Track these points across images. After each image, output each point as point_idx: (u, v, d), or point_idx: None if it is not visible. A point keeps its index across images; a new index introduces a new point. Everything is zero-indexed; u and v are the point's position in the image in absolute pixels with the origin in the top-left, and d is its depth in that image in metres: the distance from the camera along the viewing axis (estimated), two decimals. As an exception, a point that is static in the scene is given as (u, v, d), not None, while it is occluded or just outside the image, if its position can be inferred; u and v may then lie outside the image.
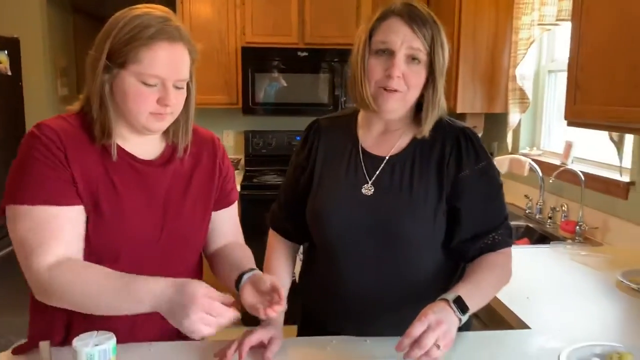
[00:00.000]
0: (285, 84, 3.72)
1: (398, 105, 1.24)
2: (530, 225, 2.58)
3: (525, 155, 2.87)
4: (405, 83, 1.21)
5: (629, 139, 2.12)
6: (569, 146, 2.53)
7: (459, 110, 3.11)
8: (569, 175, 2.39)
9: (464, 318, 1.14)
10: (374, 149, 1.31)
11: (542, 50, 2.94)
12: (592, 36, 1.74)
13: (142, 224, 1.19)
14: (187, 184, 1.27)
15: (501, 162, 2.68)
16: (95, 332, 1.08)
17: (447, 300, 1.13)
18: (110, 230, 1.15)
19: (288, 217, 1.40)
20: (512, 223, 2.65)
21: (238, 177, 3.68)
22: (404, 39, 1.19)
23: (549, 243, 2.27)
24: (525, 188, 2.87)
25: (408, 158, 1.28)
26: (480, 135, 3.32)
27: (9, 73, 3.20)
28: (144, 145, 1.23)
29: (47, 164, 1.11)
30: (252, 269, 1.22)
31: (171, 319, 1.05)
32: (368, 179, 1.28)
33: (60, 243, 1.10)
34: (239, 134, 4.09)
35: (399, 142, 1.30)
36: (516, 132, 3.07)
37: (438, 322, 1.06)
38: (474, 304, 1.17)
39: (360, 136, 1.33)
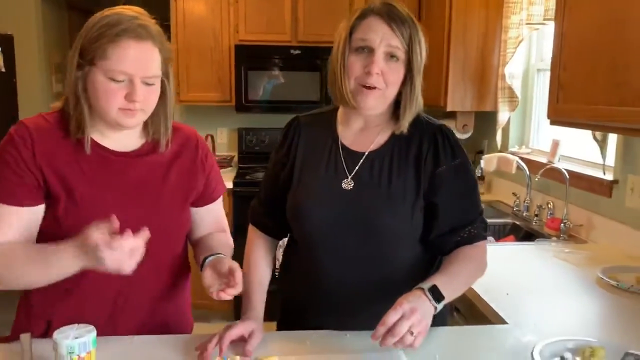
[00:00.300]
0: (278, 82, 3.74)
1: (377, 102, 1.27)
2: (517, 222, 2.60)
3: (513, 153, 2.90)
4: (383, 80, 1.24)
5: (613, 138, 2.14)
6: (555, 145, 2.56)
7: (449, 109, 3.13)
8: (555, 174, 2.42)
9: (439, 306, 1.17)
10: (353, 145, 1.34)
11: (532, 50, 2.97)
12: (575, 35, 1.76)
13: (113, 211, 1.19)
14: (165, 176, 1.30)
15: (489, 160, 2.71)
16: (76, 325, 1.11)
17: (422, 289, 1.17)
18: (81, 216, 1.18)
19: (268, 213, 1.42)
20: (499, 220, 2.71)
21: (231, 174, 3.71)
22: (383, 37, 1.23)
23: (534, 240, 2.30)
24: (514, 186, 2.90)
25: (387, 153, 1.31)
26: (470, 133, 3.39)
27: (3, 70, 3.21)
28: (123, 140, 1.27)
29: (11, 167, 1.18)
30: (217, 253, 1.26)
31: (99, 267, 1.08)
32: (348, 174, 1.31)
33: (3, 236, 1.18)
34: (233, 131, 4.11)
35: (378, 138, 1.33)
36: (506, 130, 3.09)
37: (412, 310, 1.10)
38: (449, 293, 1.21)
39: (340, 132, 1.36)
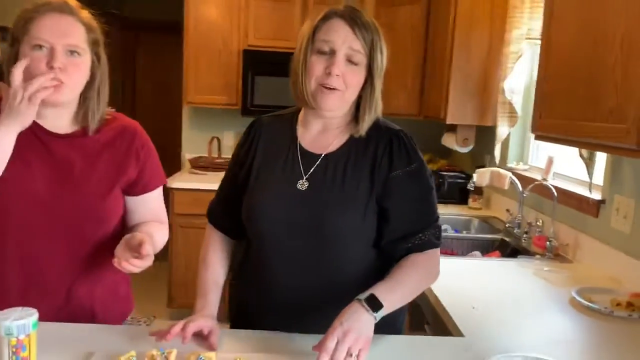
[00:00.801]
0: (284, 88, 3.75)
1: (337, 103, 1.28)
2: (506, 239, 2.56)
3: (511, 169, 2.86)
4: (344, 82, 1.26)
5: (601, 156, 2.10)
6: (550, 162, 2.52)
7: (448, 121, 3.11)
8: (546, 191, 2.38)
9: (378, 315, 1.16)
10: (311, 146, 1.35)
11: (534, 65, 2.93)
12: (557, 51, 1.74)
13: (36, 183, 1.29)
14: (94, 161, 1.35)
15: (482, 175, 2.68)
16: (20, 308, 1.13)
17: (359, 300, 1.16)
18: (6, 185, 1.25)
19: (225, 212, 1.43)
20: (487, 236, 2.67)
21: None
22: (344, 39, 1.24)
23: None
24: (510, 202, 2.86)
25: (343, 156, 1.32)
26: (471, 147, 3.35)
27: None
28: (56, 121, 1.34)
29: None
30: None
31: (7, 120, 1.19)
32: (303, 175, 1.32)
33: None
34: (239, 134, 4.12)
35: (336, 141, 1.34)
36: (505, 145, 3.05)
37: (345, 333, 1.10)
38: (391, 302, 1.20)
39: (299, 134, 1.37)
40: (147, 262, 1.22)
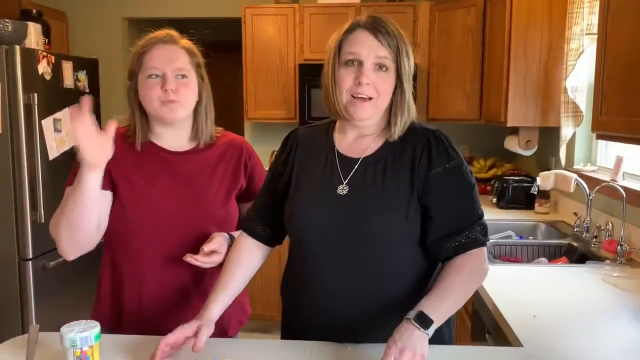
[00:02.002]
0: (340, 99, 3.79)
1: (370, 111, 1.29)
2: (574, 244, 2.45)
3: (577, 171, 2.73)
4: (375, 89, 1.27)
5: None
6: (619, 162, 2.39)
7: (509, 124, 3.02)
8: (616, 193, 2.25)
9: (430, 331, 1.15)
10: (348, 152, 1.36)
11: (599, 61, 2.80)
12: (616, 46, 1.67)
13: (162, 195, 1.47)
14: (211, 173, 1.53)
15: (546, 177, 2.58)
16: (84, 320, 1.21)
17: (409, 319, 1.16)
18: (137, 198, 1.46)
19: (260, 219, 1.44)
20: (554, 242, 2.56)
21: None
22: (370, 49, 1.26)
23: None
24: (578, 205, 2.73)
25: (381, 159, 1.32)
26: (534, 149, 3.24)
27: (87, 90, 3.52)
28: (174, 141, 1.52)
29: None
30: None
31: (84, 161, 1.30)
32: (343, 180, 1.33)
33: None
34: (299, 147, 4.21)
35: (372, 145, 1.35)
36: (571, 146, 2.93)
37: (401, 351, 1.09)
38: (440, 315, 1.18)
39: (336, 141, 1.39)
40: (213, 259, 1.40)
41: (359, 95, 1.26)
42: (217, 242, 1.42)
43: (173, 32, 1.50)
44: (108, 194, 1.45)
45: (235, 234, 1.49)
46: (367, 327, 1.30)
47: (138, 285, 1.47)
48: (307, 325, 1.37)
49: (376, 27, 1.26)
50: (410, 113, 1.32)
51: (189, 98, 1.47)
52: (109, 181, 1.45)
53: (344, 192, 1.31)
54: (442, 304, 1.20)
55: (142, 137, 1.48)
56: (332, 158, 1.36)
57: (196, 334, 1.23)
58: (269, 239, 1.45)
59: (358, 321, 1.31)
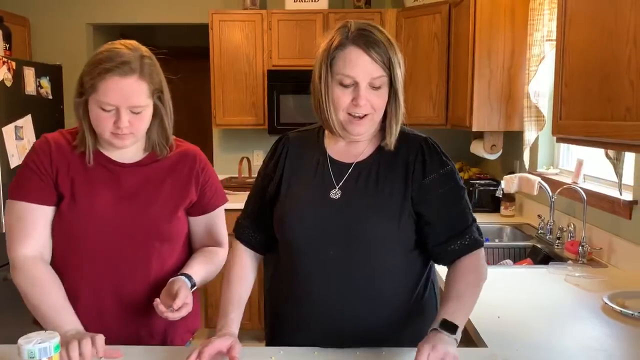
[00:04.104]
0: (309, 105, 3.79)
1: (367, 127, 1.31)
2: (538, 245, 2.50)
3: (540, 174, 2.79)
4: (371, 107, 1.28)
5: (630, 156, 2.03)
6: (579, 164, 2.45)
7: (474, 128, 3.07)
8: (578, 195, 2.31)
9: (458, 336, 1.19)
10: (341, 157, 1.37)
11: (559, 67, 2.87)
12: (573, 51, 1.71)
13: (106, 209, 1.40)
14: (159, 184, 1.46)
15: (509, 181, 2.63)
16: (44, 331, 1.18)
17: (435, 329, 1.18)
18: (79, 212, 1.39)
19: (252, 227, 1.45)
20: (519, 243, 2.61)
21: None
22: (365, 72, 1.26)
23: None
24: (542, 208, 2.79)
25: (374, 164, 1.34)
26: (499, 153, 3.30)
27: (50, 97, 3.45)
28: (126, 153, 1.46)
29: (33, 169, 1.40)
30: (182, 273, 1.40)
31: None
32: (335, 184, 1.33)
33: (35, 236, 1.39)
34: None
35: (366, 150, 1.36)
36: (534, 150, 2.99)
37: (434, 348, 1.12)
38: (462, 318, 1.23)
39: (327, 146, 1.39)
40: (182, 312, 1.31)
41: (356, 114, 1.27)
42: (184, 295, 1.32)
43: (131, 56, 1.34)
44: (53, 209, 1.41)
45: (195, 276, 1.42)
46: (356, 331, 1.31)
47: (74, 301, 1.37)
48: (295, 329, 1.37)
49: (368, 44, 1.25)
50: (403, 119, 1.34)
51: (142, 129, 1.40)
52: (56, 194, 1.40)
53: (337, 196, 1.32)
54: (462, 308, 1.25)
55: (93, 150, 1.42)
56: (323, 162, 1.36)
57: (229, 350, 1.24)
58: (261, 246, 1.46)
59: (348, 324, 1.32)
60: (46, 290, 1.35)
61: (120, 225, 1.40)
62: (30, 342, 1.12)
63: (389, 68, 1.27)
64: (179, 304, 1.29)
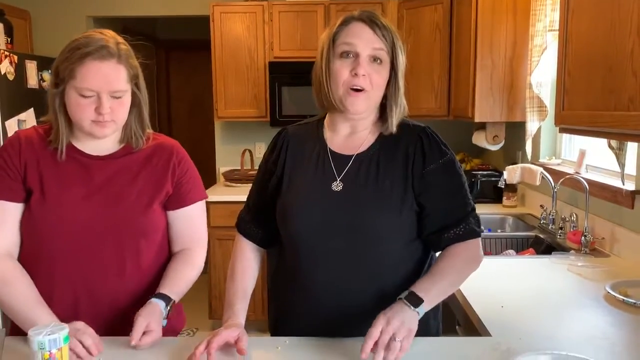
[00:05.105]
0: (310, 97, 3.79)
1: (365, 104, 1.30)
2: (540, 235, 2.51)
3: (543, 164, 2.80)
4: (370, 82, 1.28)
5: (633, 146, 2.03)
6: (582, 155, 2.45)
7: (477, 119, 3.08)
8: (580, 185, 2.31)
9: (420, 310, 1.20)
10: (341, 149, 1.37)
11: (562, 57, 2.86)
12: (576, 41, 1.71)
13: (75, 204, 1.37)
14: (133, 178, 1.43)
15: (512, 171, 2.63)
16: (53, 323, 1.19)
17: (400, 299, 1.20)
18: (48, 209, 1.36)
19: (255, 220, 1.45)
20: (521, 234, 2.62)
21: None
22: (367, 41, 1.27)
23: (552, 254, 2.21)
24: (545, 198, 2.80)
25: (374, 155, 1.34)
26: (501, 144, 3.30)
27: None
28: (100, 145, 1.42)
29: (1, 166, 1.37)
30: (156, 295, 1.38)
31: None
32: (337, 176, 1.34)
33: (3, 233, 1.36)
34: (270, 145, 4.20)
35: (365, 142, 1.36)
36: (536, 141, 2.99)
37: (388, 321, 1.15)
38: (432, 296, 1.24)
39: (327, 138, 1.39)
40: (147, 340, 1.28)
41: (355, 87, 1.27)
42: (140, 324, 1.28)
43: (110, 41, 1.33)
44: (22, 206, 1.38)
45: (172, 292, 1.39)
46: (359, 321, 1.31)
47: (48, 301, 1.34)
48: (299, 320, 1.38)
49: (372, 20, 1.28)
50: (403, 107, 1.34)
51: (122, 116, 1.37)
52: (25, 190, 1.37)
53: (339, 188, 1.33)
54: (434, 287, 1.25)
55: (65, 144, 1.38)
56: (324, 155, 1.37)
57: (237, 341, 1.25)
58: (264, 240, 1.47)
59: (351, 315, 1.33)
60: (17, 287, 1.33)
61: (92, 220, 1.37)
62: (41, 333, 1.14)
63: (392, 48, 1.29)
64: (136, 338, 1.26)
